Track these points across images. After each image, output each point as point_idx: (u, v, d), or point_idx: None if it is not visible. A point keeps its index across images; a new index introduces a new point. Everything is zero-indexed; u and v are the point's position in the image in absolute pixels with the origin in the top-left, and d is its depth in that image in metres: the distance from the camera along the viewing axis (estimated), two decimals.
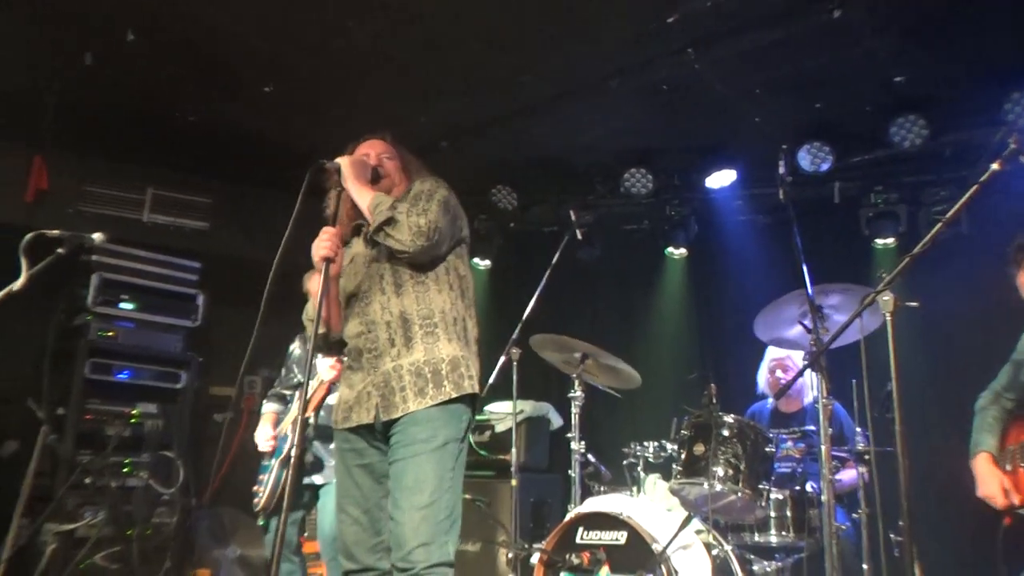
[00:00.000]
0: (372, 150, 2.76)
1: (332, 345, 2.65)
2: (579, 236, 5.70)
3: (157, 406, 5.16)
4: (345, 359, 2.59)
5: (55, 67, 4.55)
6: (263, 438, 4.07)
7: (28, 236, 2.56)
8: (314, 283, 4.03)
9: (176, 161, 5.63)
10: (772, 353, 4.48)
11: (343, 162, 2.57)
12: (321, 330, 2.58)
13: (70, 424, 4.82)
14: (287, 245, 2.39)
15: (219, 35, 4.26)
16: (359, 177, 2.56)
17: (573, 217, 5.30)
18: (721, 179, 5.42)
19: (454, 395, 2.39)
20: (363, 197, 2.52)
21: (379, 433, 2.45)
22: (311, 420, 3.92)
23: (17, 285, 2.54)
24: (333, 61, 4.51)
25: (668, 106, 4.86)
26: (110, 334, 5.11)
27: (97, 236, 2.95)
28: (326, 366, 3.75)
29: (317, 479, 3.97)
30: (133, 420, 5.03)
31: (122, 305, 5.20)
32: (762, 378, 4.56)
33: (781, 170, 3.36)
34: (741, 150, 5.30)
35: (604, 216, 5.94)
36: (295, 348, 4.31)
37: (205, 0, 3.99)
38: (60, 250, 2.75)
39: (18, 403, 4.65)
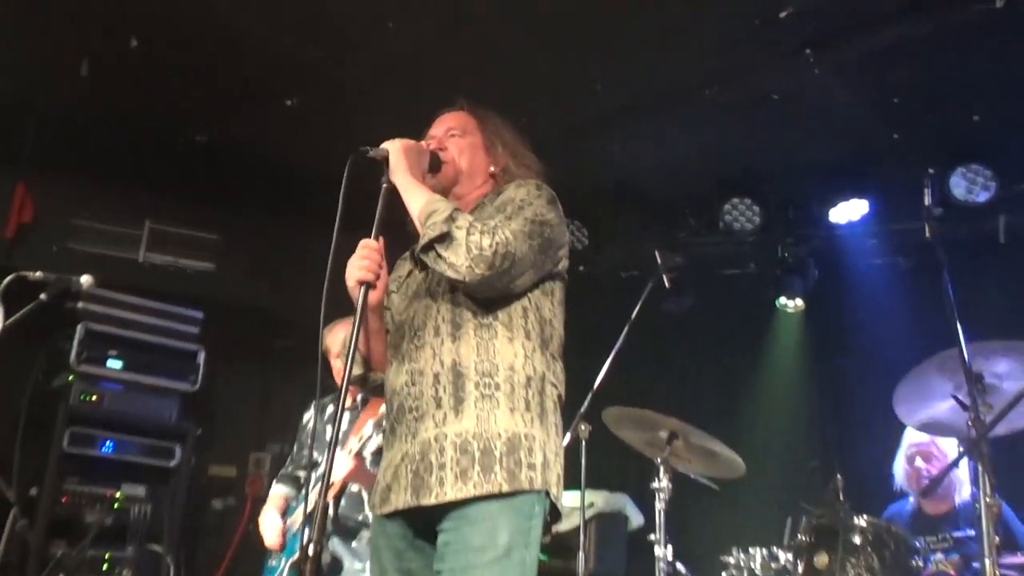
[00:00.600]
0: (440, 127, 2.60)
1: (375, 389, 2.52)
2: (666, 283, 5.60)
3: (145, 488, 5.22)
4: (383, 422, 2.47)
5: (44, 78, 4.77)
6: (270, 529, 4.05)
7: (7, 279, 2.64)
8: (336, 339, 4.09)
9: (180, 190, 5.78)
10: (911, 437, 4.31)
11: (392, 148, 2.38)
12: (358, 370, 2.45)
13: (43, 507, 4.90)
14: (332, 278, 2.28)
15: (236, 39, 4.40)
16: (412, 169, 2.37)
17: (658, 259, 5.22)
18: (849, 211, 5.30)
19: (505, 488, 2.15)
20: (414, 198, 2.32)
21: (421, 525, 2.26)
22: (329, 510, 3.90)
23: None
24: (369, 69, 4.62)
25: (779, 120, 4.81)
26: (93, 398, 5.23)
27: (85, 279, 3.02)
28: (341, 458, 3.72)
29: None
30: (116, 505, 5.10)
31: (110, 363, 5.32)
32: (899, 469, 4.37)
33: (927, 200, 3.28)
34: (875, 175, 5.19)
35: (698, 258, 5.86)
36: (309, 419, 4.32)
37: None
38: (42, 296, 2.84)
39: None
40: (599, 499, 5.15)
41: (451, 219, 2.23)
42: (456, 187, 2.53)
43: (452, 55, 4.45)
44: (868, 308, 5.49)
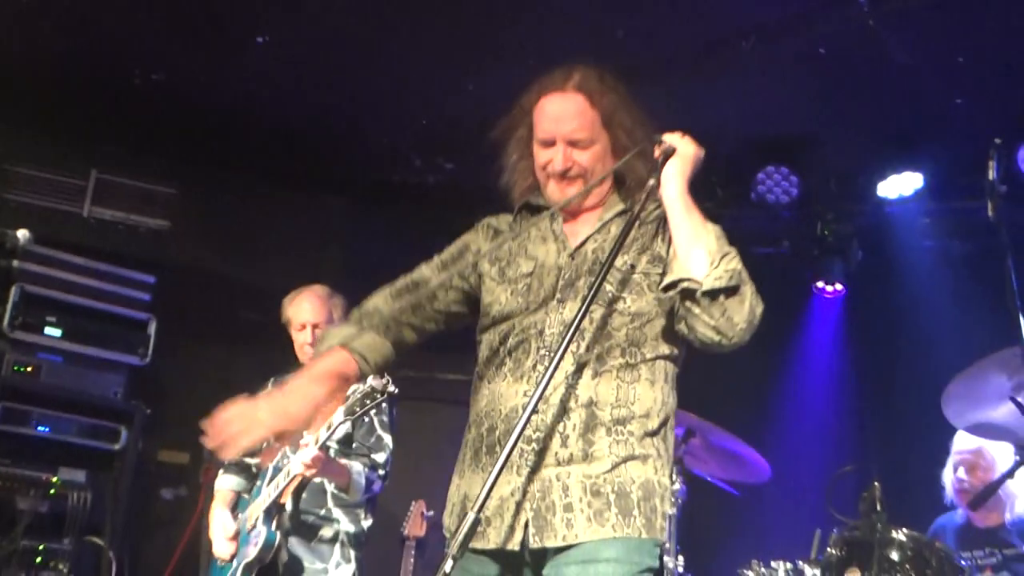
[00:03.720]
0: (557, 125, 2.48)
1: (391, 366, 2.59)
2: None
3: (86, 473, 5.24)
4: (471, 435, 2.44)
5: None
6: (220, 535, 4.02)
7: None
8: (300, 310, 4.15)
9: (132, 136, 5.79)
10: (958, 444, 4.37)
11: (685, 150, 2.42)
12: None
13: None
14: (621, 238, 2.28)
15: None
16: (687, 185, 2.39)
17: None
18: (901, 185, 5.33)
19: (644, 534, 2.27)
20: (696, 221, 2.34)
21: (514, 565, 2.34)
22: (287, 507, 3.92)
23: None
24: (356, 9, 4.61)
25: (826, 80, 4.82)
26: (29, 370, 5.25)
27: (22, 234, 3.05)
28: (298, 462, 3.69)
29: None
30: (53, 491, 5.12)
31: (48, 330, 5.34)
32: (947, 479, 4.44)
33: (992, 175, 3.27)
34: (932, 145, 5.21)
35: (727, 233, 5.87)
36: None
37: None
38: None
39: None
40: None
41: (744, 271, 2.28)
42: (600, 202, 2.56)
43: None
44: (918, 296, 5.51)
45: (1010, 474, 3.60)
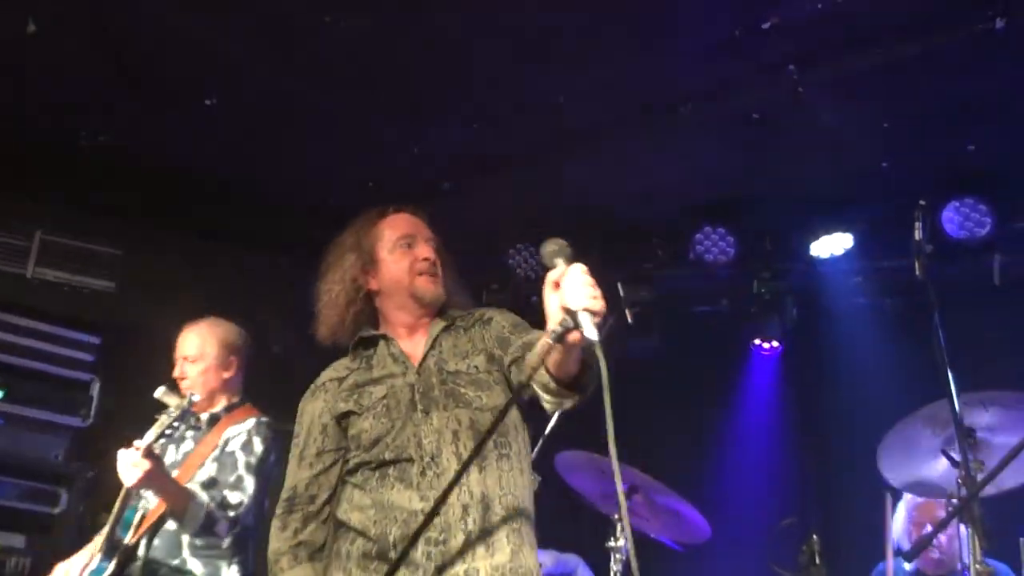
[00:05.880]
0: (420, 231, 2.82)
1: None
2: (629, 320, 5.67)
3: (25, 538, 5.11)
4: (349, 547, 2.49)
5: None
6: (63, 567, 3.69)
7: None
8: (184, 342, 3.93)
9: (77, 197, 5.71)
10: (914, 497, 4.36)
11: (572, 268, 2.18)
12: None
13: None
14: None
15: (150, 27, 4.34)
16: None
17: (621, 292, 5.28)
18: (832, 245, 5.40)
19: None
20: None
21: None
22: (139, 550, 3.61)
23: None
24: (303, 71, 4.61)
25: (759, 143, 4.88)
26: None
27: None
28: (127, 462, 3.36)
29: None
30: None
31: None
32: (899, 528, 4.42)
33: (918, 235, 3.34)
34: (861, 206, 5.29)
35: (665, 292, 5.91)
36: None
37: None
38: None
39: None
40: (547, 559, 5.13)
41: None
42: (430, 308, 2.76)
43: (397, 55, 4.46)
44: (852, 352, 5.56)
45: (945, 524, 3.61)
